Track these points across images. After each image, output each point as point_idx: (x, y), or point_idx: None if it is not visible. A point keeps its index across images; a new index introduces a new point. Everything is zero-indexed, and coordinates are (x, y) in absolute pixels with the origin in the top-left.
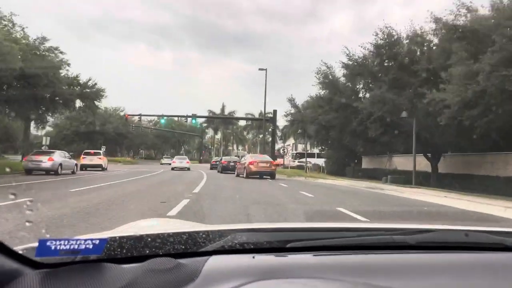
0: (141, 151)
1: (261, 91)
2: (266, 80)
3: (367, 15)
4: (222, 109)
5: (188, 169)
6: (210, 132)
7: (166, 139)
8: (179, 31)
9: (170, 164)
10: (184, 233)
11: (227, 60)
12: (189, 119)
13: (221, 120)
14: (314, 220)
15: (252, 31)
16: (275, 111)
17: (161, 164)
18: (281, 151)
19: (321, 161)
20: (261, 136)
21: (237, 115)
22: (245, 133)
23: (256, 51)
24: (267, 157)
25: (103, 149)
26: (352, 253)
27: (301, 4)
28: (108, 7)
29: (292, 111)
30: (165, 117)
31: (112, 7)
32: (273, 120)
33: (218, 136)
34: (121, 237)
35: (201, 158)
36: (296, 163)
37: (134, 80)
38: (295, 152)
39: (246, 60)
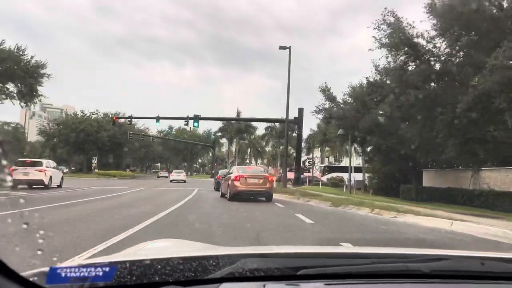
0: (152, 164)
1: (281, 105)
2: (289, 61)
3: None
4: (238, 115)
5: (184, 181)
6: (225, 145)
7: (177, 151)
8: (202, 48)
9: (167, 177)
10: (194, 259)
11: (248, 75)
12: (194, 126)
13: (236, 130)
14: None
15: (272, 46)
16: (301, 110)
17: (158, 177)
18: (307, 164)
19: (358, 176)
20: (282, 147)
21: (256, 126)
22: (263, 143)
23: (276, 66)
24: (259, 170)
25: (94, 160)
26: (365, 281)
27: (321, 20)
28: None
29: (326, 105)
30: (160, 120)
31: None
32: (298, 121)
33: (234, 147)
34: (131, 264)
35: (213, 171)
36: (324, 179)
37: (155, 96)
38: (323, 165)
39: (267, 75)
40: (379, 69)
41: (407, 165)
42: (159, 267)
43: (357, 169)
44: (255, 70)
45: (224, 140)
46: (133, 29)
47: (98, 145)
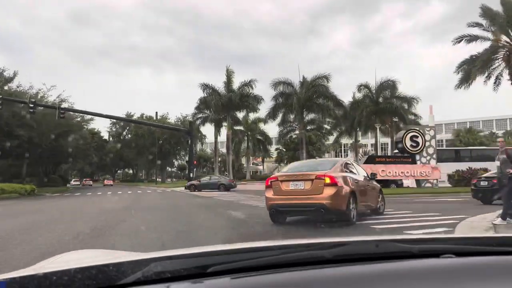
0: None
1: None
2: None
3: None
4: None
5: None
6: (210, 135)
7: (140, 150)
8: (183, 55)
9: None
10: (92, 267)
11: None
12: None
13: (226, 103)
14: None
15: (254, 50)
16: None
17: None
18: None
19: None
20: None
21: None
22: (268, 125)
23: (257, 69)
24: (313, 165)
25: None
26: (270, 272)
27: (302, 22)
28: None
29: None
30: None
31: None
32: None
33: (225, 133)
34: (22, 278)
35: (191, 175)
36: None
37: (136, 104)
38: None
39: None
40: None
41: None
42: (54, 278)
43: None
44: (239, 74)
45: (209, 129)
46: (112, 38)
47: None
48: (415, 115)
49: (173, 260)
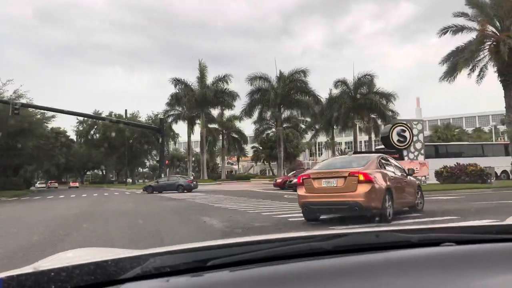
0: (84, 172)
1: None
2: None
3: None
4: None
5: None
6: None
7: (109, 150)
8: (156, 54)
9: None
10: (91, 263)
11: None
12: None
13: (200, 98)
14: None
15: (227, 49)
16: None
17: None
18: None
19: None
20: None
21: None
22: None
23: (231, 69)
24: (347, 161)
25: None
26: (270, 264)
27: (275, 22)
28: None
29: None
30: None
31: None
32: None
33: (200, 132)
34: (19, 275)
35: (162, 176)
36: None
37: (106, 103)
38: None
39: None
40: None
41: None
42: (52, 274)
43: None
44: (213, 74)
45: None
46: (82, 36)
47: None
48: (392, 111)
49: (172, 254)
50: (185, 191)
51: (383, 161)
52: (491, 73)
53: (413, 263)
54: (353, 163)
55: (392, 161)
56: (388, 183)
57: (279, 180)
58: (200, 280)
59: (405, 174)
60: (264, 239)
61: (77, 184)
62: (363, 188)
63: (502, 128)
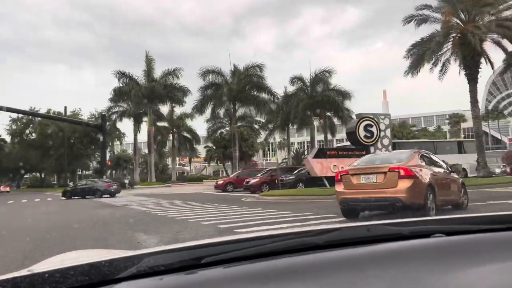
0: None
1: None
2: None
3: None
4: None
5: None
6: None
7: (45, 151)
8: (102, 52)
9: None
10: (85, 264)
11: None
12: None
13: (148, 92)
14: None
15: (178, 48)
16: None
17: None
18: None
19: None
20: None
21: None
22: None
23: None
24: (387, 157)
25: None
26: (263, 260)
27: (226, 23)
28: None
29: None
30: None
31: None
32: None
33: (147, 130)
34: (14, 277)
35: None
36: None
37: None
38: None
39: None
40: None
41: None
42: (46, 276)
43: None
44: (161, 71)
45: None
46: (20, 32)
47: None
48: (347, 110)
49: (167, 253)
50: (104, 196)
51: (424, 156)
52: (454, 68)
53: (403, 254)
54: (393, 159)
55: (434, 157)
56: (430, 179)
57: (220, 182)
58: (194, 277)
59: (448, 171)
60: (256, 236)
61: (8, 189)
62: (404, 184)
63: (445, 127)
